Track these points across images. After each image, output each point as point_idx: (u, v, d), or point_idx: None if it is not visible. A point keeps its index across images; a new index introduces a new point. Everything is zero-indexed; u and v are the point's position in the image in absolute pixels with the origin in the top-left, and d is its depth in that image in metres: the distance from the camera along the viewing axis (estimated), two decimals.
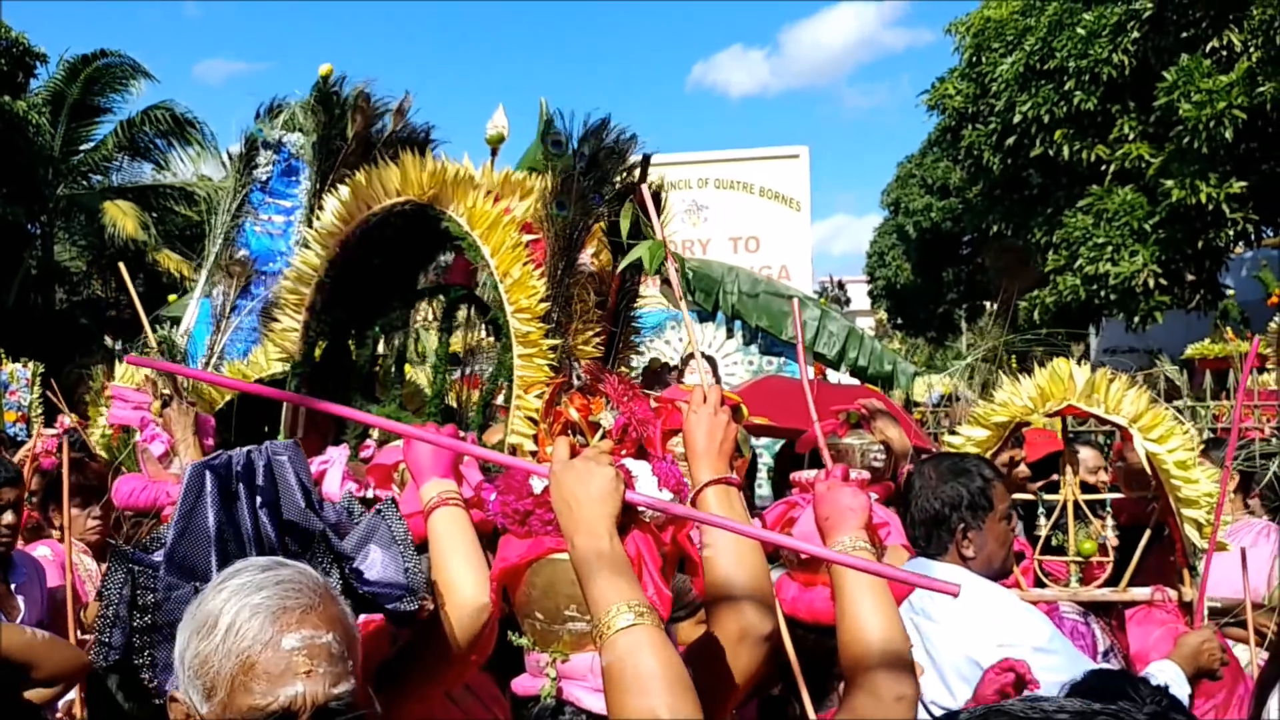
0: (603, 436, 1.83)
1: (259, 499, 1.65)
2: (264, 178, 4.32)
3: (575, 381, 1.88)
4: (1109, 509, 3.45)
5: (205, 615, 1.35)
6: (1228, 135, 13.64)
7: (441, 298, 3.53)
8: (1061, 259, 16.30)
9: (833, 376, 11.70)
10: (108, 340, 18.18)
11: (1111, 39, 15.22)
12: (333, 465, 2.60)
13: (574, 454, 1.69)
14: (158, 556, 1.59)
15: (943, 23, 18.40)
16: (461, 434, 2.24)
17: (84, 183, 22.11)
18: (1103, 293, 15.61)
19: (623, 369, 2.63)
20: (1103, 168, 15.89)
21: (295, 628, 1.33)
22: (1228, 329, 13.06)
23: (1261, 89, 13.50)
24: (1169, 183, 14.63)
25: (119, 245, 18.97)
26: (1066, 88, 15.70)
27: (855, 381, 11.11)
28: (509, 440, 2.74)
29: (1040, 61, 15.95)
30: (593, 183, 2.91)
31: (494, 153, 3.38)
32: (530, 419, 2.74)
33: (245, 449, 1.68)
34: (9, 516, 3.55)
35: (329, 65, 4.26)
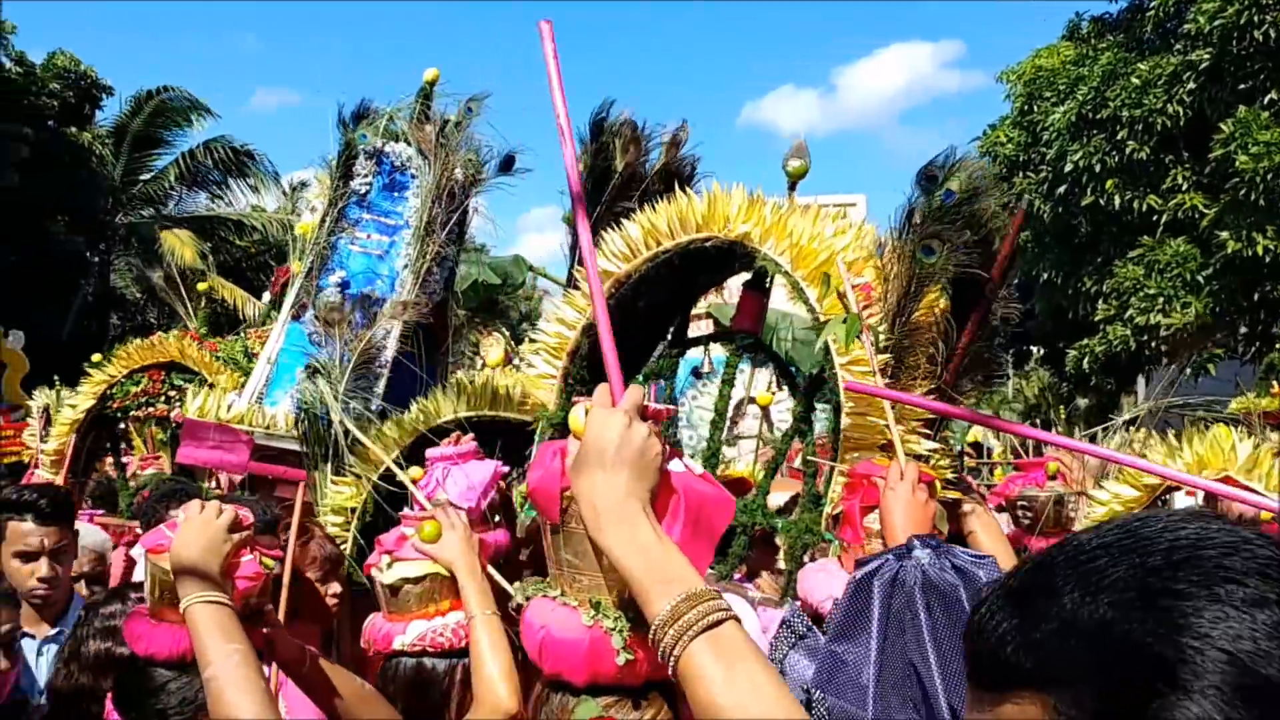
0: None
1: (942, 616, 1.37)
2: (363, 190, 3.96)
3: None
4: None
5: None
6: None
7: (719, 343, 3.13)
8: (1112, 309, 16.12)
9: None
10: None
11: (1166, 89, 15.14)
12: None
13: None
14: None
15: (999, 65, 18.43)
16: None
17: (142, 213, 22.61)
18: (1153, 343, 15.43)
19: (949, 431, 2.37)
20: (1154, 218, 15.75)
21: None
22: (1274, 382, 12.81)
23: None
24: (1224, 234, 14.47)
25: (177, 273, 19.34)
26: (1119, 137, 15.60)
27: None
28: (828, 512, 2.45)
29: (1093, 111, 15.89)
30: (962, 223, 2.49)
31: (792, 187, 3.17)
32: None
33: (905, 551, 1.42)
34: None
35: (435, 70, 4.03)
